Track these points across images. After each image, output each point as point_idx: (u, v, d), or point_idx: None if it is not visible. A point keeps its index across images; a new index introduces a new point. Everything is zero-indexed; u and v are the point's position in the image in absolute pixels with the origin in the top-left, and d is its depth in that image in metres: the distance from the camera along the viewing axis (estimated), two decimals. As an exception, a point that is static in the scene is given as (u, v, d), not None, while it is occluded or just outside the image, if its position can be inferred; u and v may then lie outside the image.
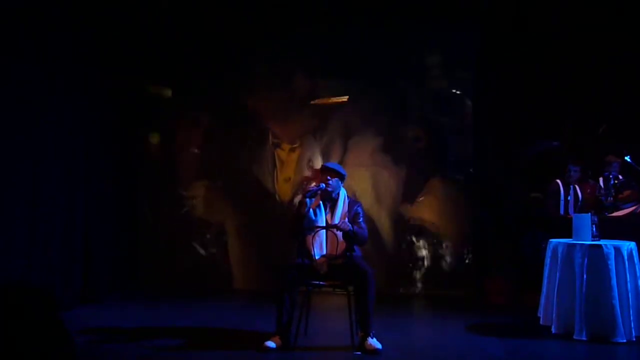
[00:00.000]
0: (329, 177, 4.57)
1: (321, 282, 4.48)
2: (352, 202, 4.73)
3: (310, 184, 4.71)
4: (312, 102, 7.14)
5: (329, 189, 4.58)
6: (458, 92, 6.94)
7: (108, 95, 6.38)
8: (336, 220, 4.55)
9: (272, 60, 7.14)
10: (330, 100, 7.14)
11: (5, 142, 4.80)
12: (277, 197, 7.16)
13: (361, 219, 4.63)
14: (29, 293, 1.65)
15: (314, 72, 7.08)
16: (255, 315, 5.62)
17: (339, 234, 4.48)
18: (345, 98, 7.09)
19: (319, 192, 4.58)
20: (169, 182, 7.21)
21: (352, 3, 6.85)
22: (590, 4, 6.44)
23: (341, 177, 4.66)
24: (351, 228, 4.45)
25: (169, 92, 7.26)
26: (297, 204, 4.79)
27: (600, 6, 6.42)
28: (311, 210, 4.55)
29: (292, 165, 7.23)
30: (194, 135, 7.24)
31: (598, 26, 6.40)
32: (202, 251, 7.16)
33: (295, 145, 7.19)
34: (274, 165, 7.22)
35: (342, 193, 4.68)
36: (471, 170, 6.91)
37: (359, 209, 4.68)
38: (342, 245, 4.52)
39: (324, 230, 4.54)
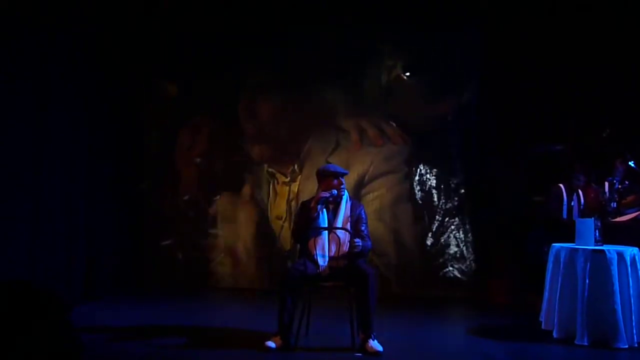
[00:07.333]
0: (336, 182, 4.57)
1: (323, 283, 4.48)
2: (355, 204, 4.72)
3: (320, 192, 4.66)
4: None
5: (342, 193, 4.60)
6: (461, 93, 6.92)
7: (110, 95, 6.38)
8: (339, 223, 4.54)
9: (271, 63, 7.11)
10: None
11: (8, 143, 4.81)
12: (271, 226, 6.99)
13: (364, 226, 4.62)
14: (37, 293, 1.65)
15: (316, 75, 7.03)
16: (257, 315, 5.62)
17: (342, 235, 4.47)
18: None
19: (331, 199, 4.58)
20: (171, 182, 7.21)
21: (353, 5, 6.85)
22: (593, 4, 6.43)
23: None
24: (360, 250, 4.43)
25: (172, 92, 7.26)
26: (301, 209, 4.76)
27: (603, 6, 6.41)
28: (314, 212, 4.54)
29: (282, 203, 6.95)
30: (197, 136, 7.24)
31: (601, 26, 6.39)
32: (203, 251, 7.15)
33: (287, 180, 6.94)
34: (268, 194, 7.03)
35: (345, 195, 4.67)
36: (474, 170, 6.91)
37: (362, 213, 4.66)
38: (344, 247, 4.51)
39: (327, 232, 4.53)
